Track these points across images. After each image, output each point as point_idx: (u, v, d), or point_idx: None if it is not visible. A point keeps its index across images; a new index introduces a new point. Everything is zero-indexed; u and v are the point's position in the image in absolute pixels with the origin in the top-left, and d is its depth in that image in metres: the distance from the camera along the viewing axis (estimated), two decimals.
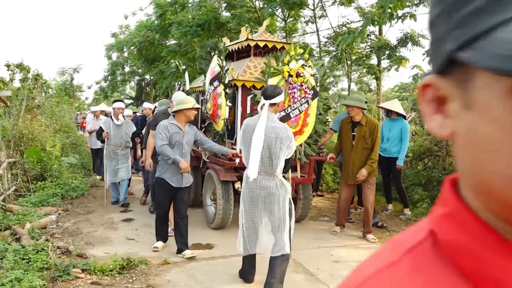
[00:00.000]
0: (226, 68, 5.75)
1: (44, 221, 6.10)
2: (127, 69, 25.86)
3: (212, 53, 6.14)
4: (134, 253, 5.02)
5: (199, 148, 6.17)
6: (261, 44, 6.06)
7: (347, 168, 5.80)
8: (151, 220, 6.46)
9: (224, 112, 5.71)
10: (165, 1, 14.17)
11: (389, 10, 5.96)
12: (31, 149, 8.69)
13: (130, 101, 27.16)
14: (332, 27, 12.77)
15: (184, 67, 6.89)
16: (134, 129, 7.94)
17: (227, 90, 5.74)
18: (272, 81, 5.28)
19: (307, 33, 15.22)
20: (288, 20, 13.53)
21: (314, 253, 5.27)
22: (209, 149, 5.32)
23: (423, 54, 6.32)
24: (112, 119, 7.57)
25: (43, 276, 4.07)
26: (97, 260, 4.65)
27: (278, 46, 6.16)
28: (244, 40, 6.03)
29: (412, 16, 6.94)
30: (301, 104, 5.51)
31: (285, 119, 5.26)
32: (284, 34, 14.16)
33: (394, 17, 6.41)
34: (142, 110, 10.04)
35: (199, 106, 5.54)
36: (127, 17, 25.39)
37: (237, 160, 5.48)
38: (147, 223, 6.40)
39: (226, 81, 5.71)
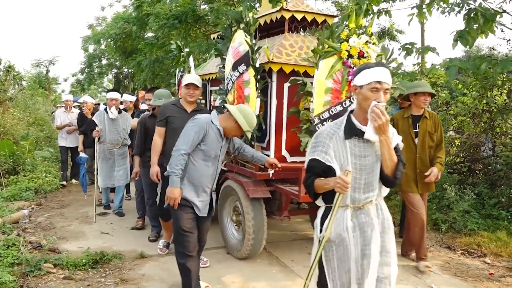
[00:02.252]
0: (257, 47, 4.34)
1: (16, 215, 5.96)
2: (104, 61, 25.37)
3: (234, 28, 4.62)
4: (108, 247, 4.94)
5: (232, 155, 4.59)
6: (299, 16, 4.68)
7: (413, 173, 4.51)
8: (126, 214, 6.40)
9: (254, 106, 4.33)
10: None
11: (365, 7, 5.99)
12: (3, 143, 8.48)
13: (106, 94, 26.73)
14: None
15: (187, 49, 5.64)
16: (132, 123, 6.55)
17: (258, 77, 4.39)
18: (325, 64, 3.91)
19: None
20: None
21: (289, 245, 5.30)
22: (244, 155, 3.83)
23: (399, 49, 6.36)
24: (107, 112, 6.34)
25: (13, 272, 3.98)
26: (70, 255, 4.56)
27: (319, 19, 4.81)
28: (277, 11, 4.69)
29: (387, 12, 6.99)
30: None
31: (341, 114, 3.69)
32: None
33: (370, 13, 6.44)
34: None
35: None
36: (104, 8, 25.02)
37: (271, 171, 4.38)
38: (123, 218, 6.33)
39: (257, 65, 4.36)
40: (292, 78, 4.23)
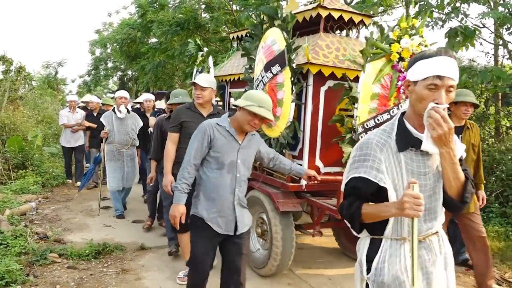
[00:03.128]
0: (295, 46, 3.69)
1: (24, 207, 5.92)
2: (110, 64, 25.27)
3: (267, 24, 4.02)
4: (110, 239, 4.93)
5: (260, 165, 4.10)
6: (336, 15, 4.05)
7: None
8: (128, 208, 6.37)
9: (289, 111, 3.72)
10: (146, 1, 13.94)
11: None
12: (13, 139, 8.44)
13: (112, 95, 26.67)
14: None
15: (206, 49, 4.97)
16: (141, 123, 6.04)
17: (295, 79, 3.71)
18: (373, 67, 3.36)
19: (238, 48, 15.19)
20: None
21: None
22: (281, 168, 3.14)
23: None
24: (115, 112, 5.87)
25: (20, 261, 3.96)
26: (74, 246, 4.55)
27: (356, 19, 4.19)
28: (313, 8, 4.07)
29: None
30: None
31: None
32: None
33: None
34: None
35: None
36: (111, 14, 24.94)
37: (304, 182, 3.79)
38: (124, 211, 6.30)
39: (294, 65, 3.69)
40: (336, 82, 3.73)
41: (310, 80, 3.78)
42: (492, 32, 7.74)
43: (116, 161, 5.87)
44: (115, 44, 18.40)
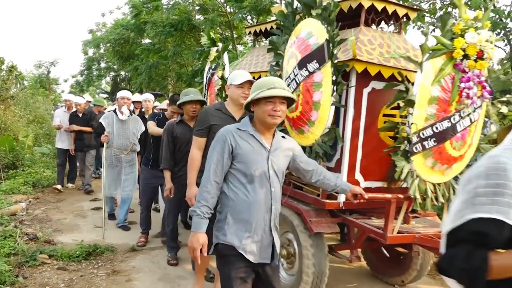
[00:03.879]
0: (339, 40, 3.08)
1: (14, 208, 5.86)
2: (103, 64, 25.13)
3: (302, 14, 3.42)
4: (101, 240, 4.89)
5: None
6: (379, 6, 3.51)
7: None
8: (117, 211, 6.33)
9: (327, 116, 3.14)
10: (140, 1, 13.91)
11: None
12: (4, 138, 8.37)
13: (105, 95, 26.53)
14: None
15: (220, 44, 4.42)
16: (143, 128, 5.42)
17: (337, 79, 3.12)
18: (432, 66, 2.81)
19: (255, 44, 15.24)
20: None
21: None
22: (324, 184, 2.58)
23: None
24: (116, 113, 5.34)
25: (9, 262, 3.92)
26: (64, 247, 4.51)
27: (400, 12, 3.64)
28: None
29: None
30: (475, 109, 2.89)
31: (448, 133, 2.87)
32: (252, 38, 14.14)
33: None
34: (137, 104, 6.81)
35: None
36: (104, 15, 24.81)
37: (342, 198, 3.24)
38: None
39: (334, 61, 3.10)
40: (382, 82, 3.20)
41: (353, 80, 3.21)
42: None
43: (113, 167, 5.38)
44: (108, 45, 18.33)
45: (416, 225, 3.43)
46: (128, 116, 5.32)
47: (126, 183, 5.44)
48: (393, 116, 3.32)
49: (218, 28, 13.00)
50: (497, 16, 6.31)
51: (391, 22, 3.88)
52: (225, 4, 12.56)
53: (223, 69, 4.24)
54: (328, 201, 3.28)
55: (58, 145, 7.77)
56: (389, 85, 3.09)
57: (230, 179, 2.26)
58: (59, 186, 7.60)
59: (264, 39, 5.36)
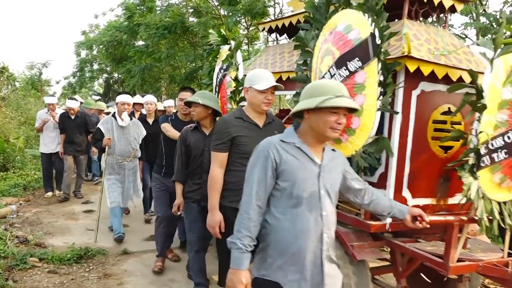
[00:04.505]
0: (389, 33, 2.61)
1: (4, 210, 5.80)
2: (95, 66, 25.06)
3: (337, 4, 2.96)
4: (92, 243, 4.85)
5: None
6: None
7: None
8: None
9: (372, 123, 2.66)
10: (133, 4, 13.89)
11: None
12: None
13: (98, 97, 26.40)
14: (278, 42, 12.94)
15: (232, 42, 3.98)
16: (144, 132, 5.22)
17: (387, 79, 2.64)
18: (504, 63, 2.46)
19: (268, 42, 15.30)
20: (251, 29, 13.57)
21: None
22: (377, 207, 2.18)
23: None
24: (115, 118, 5.05)
25: None
26: (55, 250, 4.47)
27: (446, 4, 3.20)
28: None
29: None
30: None
31: None
32: (246, 41, 14.18)
33: None
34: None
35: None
36: (97, 16, 24.72)
37: (388, 219, 2.71)
38: (108, 215, 6.22)
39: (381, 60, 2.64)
40: (453, 86, 2.65)
41: (401, 81, 2.76)
42: (474, 42, 7.91)
43: (115, 175, 5.06)
44: (101, 46, 18.26)
45: (472, 249, 2.96)
46: (129, 122, 5.04)
47: (129, 191, 5.19)
48: (444, 122, 2.93)
49: (211, 30, 13.00)
50: (488, 22, 6.37)
51: (435, 15, 3.43)
52: (218, 7, 12.57)
53: (237, 69, 3.79)
54: (373, 222, 2.75)
55: (42, 149, 7.24)
56: (455, 86, 2.62)
57: (272, 203, 1.90)
58: (50, 194, 7.18)
59: (279, 36, 4.97)
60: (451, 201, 2.98)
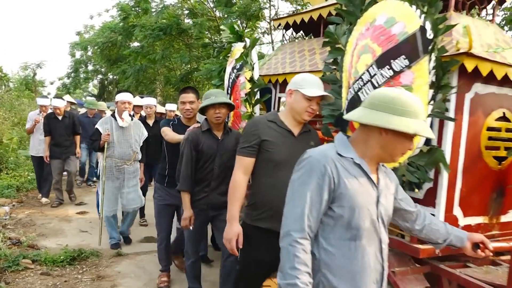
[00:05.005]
0: (444, 27, 2.29)
1: None
2: (90, 67, 24.96)
3: None
4: (86, 245, 4.83)
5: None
6: None
7: None
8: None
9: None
10: (128, 5, 13.87)
11: None
12: None
13: (92, 99, 26.29)
14: (285, 39, 12.96)
15: (247, 40, 3.65)
16: (146, 133, 4.90)
17: (442, 80, 2.33)
18: None
19: (263, 43, 15.32)
20: (246, 31, 13.60)
21: None
22: (430, 232, 1.80)
23: None
24: (115, 118, 4.65)
25: None
26: (48, 251, 4.45)
27: None
28: None
29: None
30: None
31: None
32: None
33: None
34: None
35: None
36: (93, 17, 24.63)
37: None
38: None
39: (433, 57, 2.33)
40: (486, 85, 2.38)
41: (454, 83, 2.40)
42: None
43: (114, 180, 4.66)
44: (96, 47, 18.21)
45: None
46: (130, 123, 4.67)
47: (130, 195, 4.75)
48: (499, 130, 2.65)
49: (207, 32, 13.02)
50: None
51: (482, 7, 3.10)
52: (214, 9, 12.59)
53: (252, 69, 3.38)
54: (421, 246, 2.38)
55: (32, 153, 6.98)
56: None
57: (321, 233, 1.54)
58: (44, 200, 6.82)
59: (294, 33, 4.65)
60: (504, 218, 2.69)
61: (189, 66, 14.08)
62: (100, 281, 3.92)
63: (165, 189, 3.78)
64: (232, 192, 2.39)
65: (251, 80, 3.40)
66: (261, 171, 2.39)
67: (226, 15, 11.55)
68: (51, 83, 28.97)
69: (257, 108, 3.53)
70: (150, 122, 5.70)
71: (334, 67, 2.92)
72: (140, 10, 13.58)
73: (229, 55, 3.95)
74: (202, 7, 12.86)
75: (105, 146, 4.53)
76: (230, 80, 3.82)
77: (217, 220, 3.18)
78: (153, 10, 13.52)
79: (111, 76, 23.83)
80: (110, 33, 15.94)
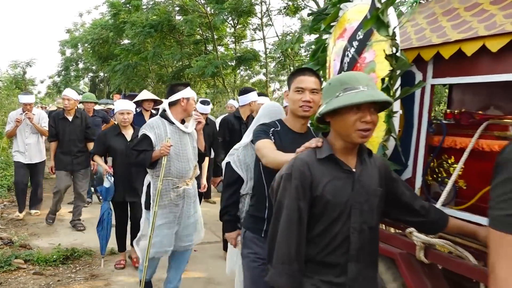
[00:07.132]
0: None
1: None
2: (81, 65, 24.82)
3: None
4: (79, 244, 4.80)
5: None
6: None
7: None
8: (98, 212, 6.21)
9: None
10: (118, 1, 13.77)
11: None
12: None
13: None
14: (277, 35, 12.96)
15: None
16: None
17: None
18: None
19: (255, 40, 15.30)
20: (238, 27, 13.57)
21: None
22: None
23: None
24: (170, 121, 3.13)
25: None
26: (41, 251, 4.42)
27: None
28: None
29: None
30: None
31: None
32: (233, 39, 14.18)
33: None
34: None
35: None
36: (82, 14, 24.41)
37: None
38: (95, 215, 6.15)
39: None
40: None
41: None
42: None
43: (171, 208, 3.16)
44: (86, 45, 18.08)
45: None
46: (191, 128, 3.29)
47: (189, 229, 3.29)
48: None
49: (198, 29, 12.97)
50: None
51: None
52: (205, 5, 12.53)
53: (392, 37, 2.05)
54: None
55: (17, 158, 5.70)
56: None
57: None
58: (21, 214, 5.71)
59: None
60: None
61: (180, 63, 14.02)
62: (94, 280, 3.90)
63: (262, 242, 2.18)
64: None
65: (391, 56, 2.06)
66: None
67: (217, 12, 11.51)
68: (42, 82, 28.85)
69: (397, 104, 2.19)
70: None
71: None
72: (130, 7, 13.49)
73: (334, 23, 2.72)
74: (193, 3, 12.80)
75: (163, 161, 3.07)
76: (346, 60, 2.51)
77: None
78: (143, 7, 13.44)
79: (102, 74, 23.68)
80: (101, 30, 15.85)
